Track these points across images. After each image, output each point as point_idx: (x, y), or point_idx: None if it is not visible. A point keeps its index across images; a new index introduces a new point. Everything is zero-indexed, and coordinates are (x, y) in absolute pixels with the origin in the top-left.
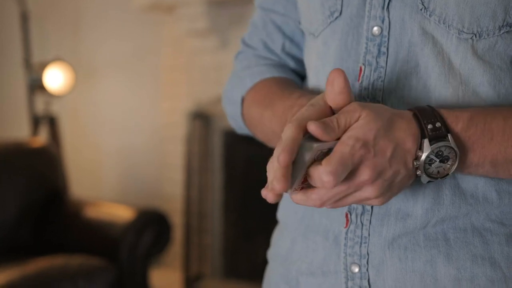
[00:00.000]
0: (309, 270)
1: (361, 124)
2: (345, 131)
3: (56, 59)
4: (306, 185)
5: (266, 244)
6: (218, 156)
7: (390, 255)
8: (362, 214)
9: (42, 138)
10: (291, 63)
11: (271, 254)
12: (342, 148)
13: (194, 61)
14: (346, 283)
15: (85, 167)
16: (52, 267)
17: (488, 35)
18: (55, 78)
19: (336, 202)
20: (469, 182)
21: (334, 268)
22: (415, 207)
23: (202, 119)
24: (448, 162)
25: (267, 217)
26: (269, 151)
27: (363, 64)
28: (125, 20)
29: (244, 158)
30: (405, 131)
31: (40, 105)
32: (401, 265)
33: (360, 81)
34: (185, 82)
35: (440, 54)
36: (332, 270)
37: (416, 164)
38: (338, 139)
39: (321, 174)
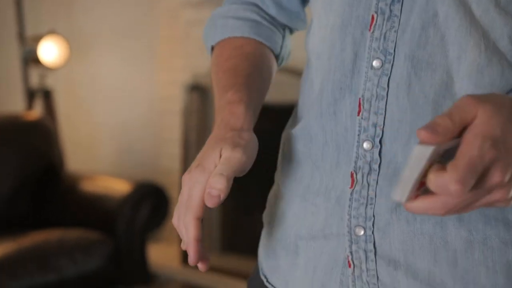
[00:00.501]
0: (309, 234)
1: (483, 119)
2: (461, 129)
3: (50, 32)
4: (421, 191)
5: None
6: None
7: (397, 217)
8: (368, 173)
9: (37, 111)
10: (273, 10)
11: (266, 216)
12: (469, 150)
13: (191, 32)
14: (350, 246)
15: (81, 141)
16: (48, 241)
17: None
18: (50, 51)
19: (463, 208)
20: None
21: (337, 230)
22: None
23: (199, 91)
24: None
25: (266, 191)
26: (269, 124)
27: (375, 12)
28: None
29: None
30: None
31: (35, 79)
32: (408, 227)
33: (371, 31)
34: (182, 54)
35: (461, 3)
36: (335, 233)
37: None
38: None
39: (447, 182)
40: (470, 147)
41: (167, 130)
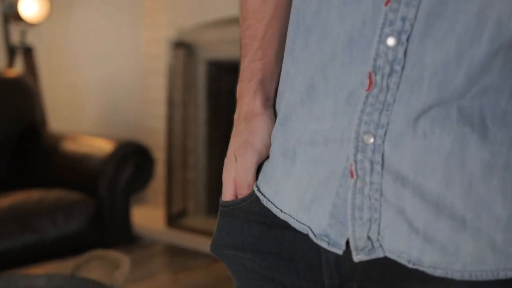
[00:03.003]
0: (311, 139)
1: None
2: None
3: None
4: None
5: None
6: (202, 88)
7: (413, 128)
8: (389, 75)
9: (17, 69)
10: None
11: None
12: None
13: None
14: (355, 155)
15: (64, 100)
16: (28, 202)
17: None
18: (30, 6)
19: None
20: None
21: (341, 136)
22: (457, 72)
23: (185, 48)
24: None
25: None
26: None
27: None
28: None
29: (229, 90)
30: None
31: (15, 35)
32: (424, 141)
33: None
34: (166, 10)
35: None
36: (338, 139)
37: None
38: None
39: None
40: None
41: (152, 89)
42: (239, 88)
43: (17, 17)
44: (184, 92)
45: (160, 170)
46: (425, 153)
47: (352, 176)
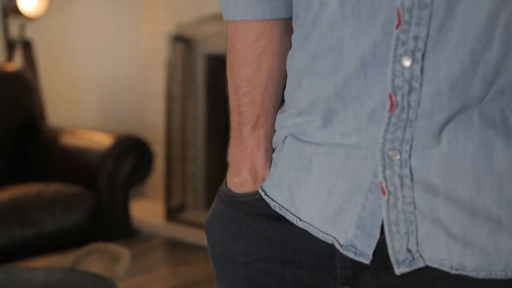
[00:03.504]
0: (331, 152)
1: None
2: None
3: None
4: None
5: None
6: (201, 82)
7: (438, 139)
8: (409, 93)
9: (16, 63)
10: None
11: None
12: None
13: None
14: (384, 172)
15: (63, 95)
16: (27, 195)
17: None
18: (29, 0)
19: None
20: None
21: (365, 152)
22: (473, 79)
23: (184, 42)
24: None
25: None
26: None
27: None
28: None
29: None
30: None
31: (14, 30)
32: (450, 149)
33: None
34: (165, 4)
35: None
36: (362, 154)
37: None
38: None
39: None
40: None
41: (151, 84)
42: (241, 157)
43: (16, 11)
44: (183, 86)
45: (159, 164)
46: (452, 160)
47: (384, 193)
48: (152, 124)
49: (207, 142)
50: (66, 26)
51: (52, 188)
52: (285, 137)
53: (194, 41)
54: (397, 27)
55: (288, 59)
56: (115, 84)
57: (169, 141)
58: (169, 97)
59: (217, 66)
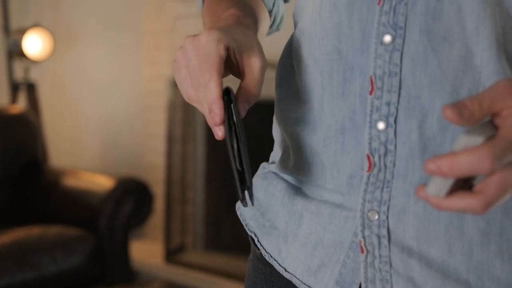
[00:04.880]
0: (318, 209)
1: None
2: (487, 115)
3: (35, 25)
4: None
5: None
6: (201, 124)
7: (414, 201)
8: (385, 155)
9: (20, 105)
10: None
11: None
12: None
13: (177, 26)
14: (363, 231)
15: (65, 136)
16: (28, 238)
17: None
18: (34, 44)
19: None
20: None
21: (347, 213)
22: (442, 145)
23: None
24: None
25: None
26: (254, 118)
27: None
28: None
29: None
30: None
31: (19, 72)
32: (425, 214)
33: (380, 4)
34: (167, 48)
35: None
36: (344, 215)
37: None
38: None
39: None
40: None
41: (152, 125)
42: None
43: (21, 54)
44: (184, 127)
45: (159, 204)
46: (426, 224)
47: (362, 251)
48: (152, 165)
49: (207, 184)
50: (69, 68)
51: (53, 231)
52: (281, 178)
53: None
54: (371, 93)
55: (274, 125)
56: (116, 125)
57: (169, 182)
58: (170, 138)
59: None
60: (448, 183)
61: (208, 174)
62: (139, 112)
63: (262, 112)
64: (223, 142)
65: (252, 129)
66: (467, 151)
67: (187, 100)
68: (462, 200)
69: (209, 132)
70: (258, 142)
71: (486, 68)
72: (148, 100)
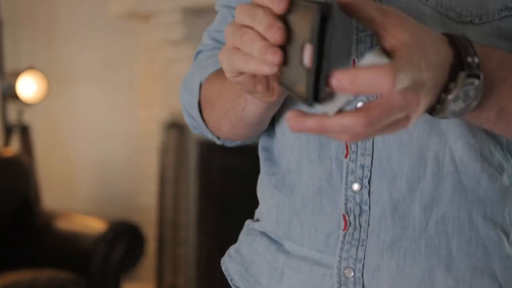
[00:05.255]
0: (298, 266)
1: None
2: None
3: (30, 67)
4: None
5: None
6: (193, 166)
7: (388, 259)
8: (360, 215)
9: (14, 147)
10: None
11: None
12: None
13: (170, 69)
14: None
15: (59, 177)
16: (20, 283)
17: (488, 18)
18: (28, 86)
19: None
20: (471, 177)
21: (325, 270)
22: (412, 205)
23: (177, 128)
24: (466, 103)
25: (242, 228)
26: (245, 162)
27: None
28: (100, 28)
29: (219, 169)
30: (445, 60)
31: (12, 114)
32: (398, 271)
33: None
34: (160, 90)
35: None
36: (321, 273)
37: (444, 98)
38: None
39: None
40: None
41: (144, 167)
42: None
43: (15, 97)
44: (176, 169)
45: (151, 245)
46: (399, 281)
47: None
48: (144, 206)
49: (199, 225)
50: (63, 110)
51: (45, 275)
52: (263, 232)
53: (187, 128)
54: (346, 156)
55: (258, 185)
56: (109, 166)
57: (161, 223)
58: (162, 180)
59: (209, 152)
60: (341, 101)
61: (200, 215)
62: (132, 154)
63: (254, 155)
64: (215, 184)
65: (241, 172)
66: (370, 67)
67: (238, 68)
68: (343, 118)
69: (201, 174)
70: (247, 186)
71: (452, 131)
72: (141, 142)
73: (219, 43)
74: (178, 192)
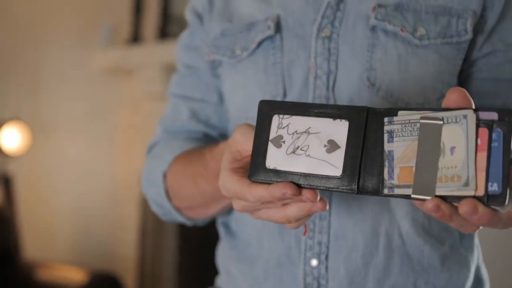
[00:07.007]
0: None
1: None
2: None
3: (13, 118)
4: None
5: None
6: None
7: None
8: None
9: None
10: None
11: None
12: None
13: (150, 122)
14: None
15: (40, 227)
16: None
17: (428, 105)
18: (12, 138)
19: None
20: (416, 249)
21: None
22: (366, 277)
23: None
24: None
25: None
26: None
27: None
28: (84, 81)
29: None
30: None
31: None
32: None
33: None
34: (141, 142)
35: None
36: None
37: None
38: None
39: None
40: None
41: (125, 217)
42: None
43: None
44: (156, 220)
45: None
46: None
47: None
48: (124, 256)
49: (178, 276)
50: (44, 161)
51: None
52: None
53: None
54: (304, 234)
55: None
56: (89, 217)
57: (142, 273)
58: (143, 230)
59: None
60: None
61: (180, 266)
62: (112, 204)
63: None
64: (194, 236)
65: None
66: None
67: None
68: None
69: (181, 225)
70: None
71: (400, 209)
72: (121, 193)
73: (173, 134)
74: (158, 243)
